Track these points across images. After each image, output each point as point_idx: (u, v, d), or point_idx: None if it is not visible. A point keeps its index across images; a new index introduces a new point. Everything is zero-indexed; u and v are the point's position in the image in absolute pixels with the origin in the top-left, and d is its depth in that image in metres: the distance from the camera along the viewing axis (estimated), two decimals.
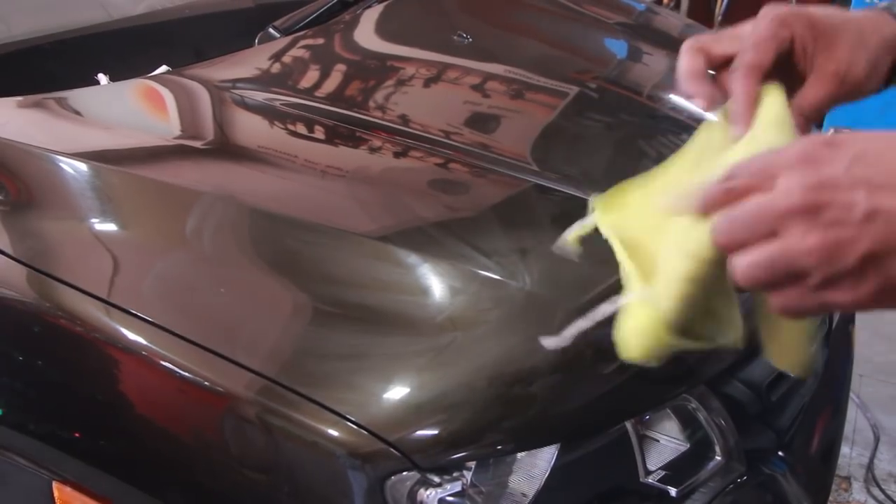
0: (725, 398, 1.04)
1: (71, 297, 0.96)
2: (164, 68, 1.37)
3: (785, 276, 0.47)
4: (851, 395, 1.54)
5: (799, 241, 0.46)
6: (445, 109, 1.38)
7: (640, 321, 0.59)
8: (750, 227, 0.48)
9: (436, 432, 0.86)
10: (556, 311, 0.96)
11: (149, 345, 0.92)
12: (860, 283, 0.46)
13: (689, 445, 1.01)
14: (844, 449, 2.07)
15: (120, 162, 1.12)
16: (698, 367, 1.02)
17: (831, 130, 2.99)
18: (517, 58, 1.56)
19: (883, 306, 0.48)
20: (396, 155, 1.21)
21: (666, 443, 1.01)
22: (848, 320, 1.48)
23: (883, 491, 2.03)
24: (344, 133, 1.25)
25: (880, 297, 0.47)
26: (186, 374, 0.89)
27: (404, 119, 1.30)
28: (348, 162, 1.20)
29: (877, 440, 2.16)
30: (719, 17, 3.92)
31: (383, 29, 1.64)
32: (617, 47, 1.80)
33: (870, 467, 2.09)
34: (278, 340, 0.93)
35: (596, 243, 1.07)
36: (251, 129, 1.27)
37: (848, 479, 2.07)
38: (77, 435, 0.99)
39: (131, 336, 0.92)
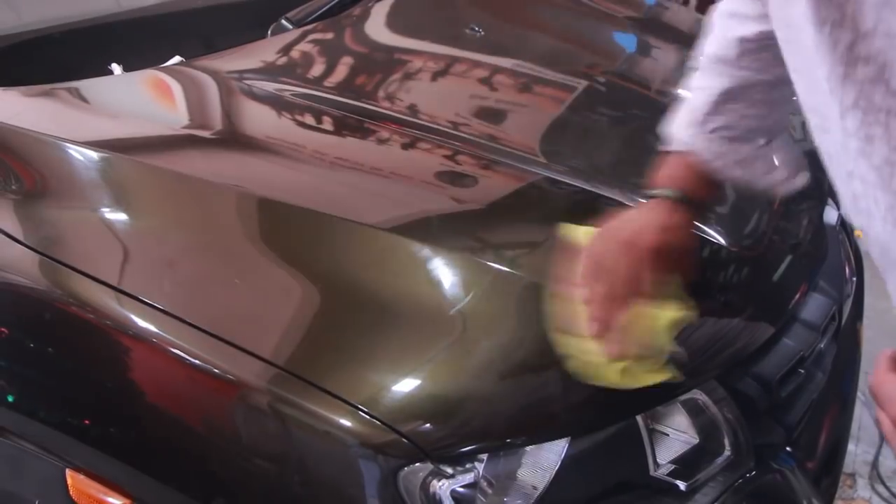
0: (735, 393, 1.04)
1: (83, 285, 0.97)
2: (176, 59, 1.37)
3: None
4: (857, 392, 1.54)
5: None
6: (455, 102, 1.38)
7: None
8: None
9: (448, 424, 0.86)
10: None
11: (160, 333, 0.92)
12: None
13: (698, 440, 1.01)
14: (850, 446, 2.06)
15: (133, 151, 1.13)
16: (709, 362, 1.02)
17: None
18: (528, 51, 1.56)
19: None
20: (406, 146, 1.21)
21: (675, 437, 1.01)
22: (856, 317, 1.48)
23: (888, 488, 2.03)
24: (355, 124, 1.25)
25: None
26: (198, 362, 0.90)
27: (414, 111, 1.30)
28: (359, 153, 1.20)
29: (882, 438, 2.16)
30: None
31: (396, 21, 1.64)
32: (626, 41, 1.80)
33: (875, 464, 2.09)
34: (290, 330, 0.93)
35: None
36: (263, 120, 1.27)
37: (853, 475, 2.07)
38: (88, 422, 0.99)
39: (142, 324, 0.93)
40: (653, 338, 0.85)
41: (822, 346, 1.24)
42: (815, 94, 0.66)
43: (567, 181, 1.14)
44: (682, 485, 0.99)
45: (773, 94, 0.90)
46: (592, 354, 0.85)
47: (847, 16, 0.60)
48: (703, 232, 1.11)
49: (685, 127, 0.91)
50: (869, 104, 0.62)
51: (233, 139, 1.21)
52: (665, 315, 0.85)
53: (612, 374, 0.85)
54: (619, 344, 0.85)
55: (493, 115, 1.37)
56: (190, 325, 0.91)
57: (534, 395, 0.91)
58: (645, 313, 0.85)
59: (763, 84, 0.89)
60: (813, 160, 1.48)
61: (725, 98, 0.89)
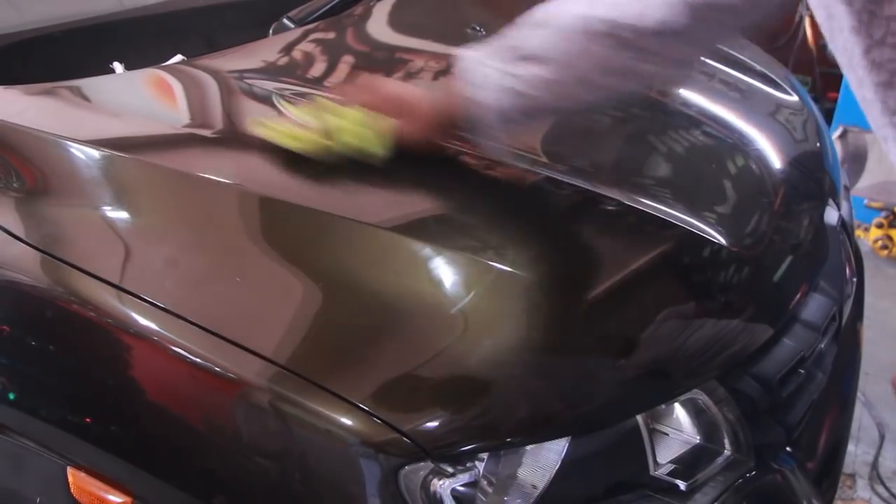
0: (736, 393, 1.04)
1: (84, 283, 0.97)
2: (178, 58, 1.37)
3: None
4: (857, 393, 1.54)
5: None
6: None
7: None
8: None
9: (449, 423, 0.86)
10: (569, 303, 0.97)
11: (161, 331, 0.92)
12: None
13: (698, 440, 1.02)
14: (850, 447, 2.07)
15: (134, 150, 1.13)
16: (709, 362, 1.03)
17: (840, 129, 2.98)
18: None
19: None
20: None
21: (676, 437, 1.01)
22: (856, 318, 1.48)
23: (888, 489, 2.03)
24: None
25: None
26: (199, 360, 0.90)
27: None
28: None
29: (882, 438, 2.16)
30: None
31: (397, 20, 1.64)
32: None
33: (875, 465, 2.09)
34: (291, 328, 0.93)
35: (604, 239, 1.08)
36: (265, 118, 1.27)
37: (853, 476, 2.07)
38: (89, 420, 0.99)
39: (144, 322, 0.93)
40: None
41: (822, 346, 1.24)
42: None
43: (568, 181, 1.14)
44: (682, 484, 0.99)
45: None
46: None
47: (862, 23, 0.63)
48: (704, 232, 1.12)
49: (488, 62, 1.00)
50: (884, 106, 0.64)
51: (234, 138, 1.21)
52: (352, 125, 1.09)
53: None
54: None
55: None
56: (191, 323, 0.91)
57: (534, 394, 0.91)
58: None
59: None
60: (813, 158, 1.49)
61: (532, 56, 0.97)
